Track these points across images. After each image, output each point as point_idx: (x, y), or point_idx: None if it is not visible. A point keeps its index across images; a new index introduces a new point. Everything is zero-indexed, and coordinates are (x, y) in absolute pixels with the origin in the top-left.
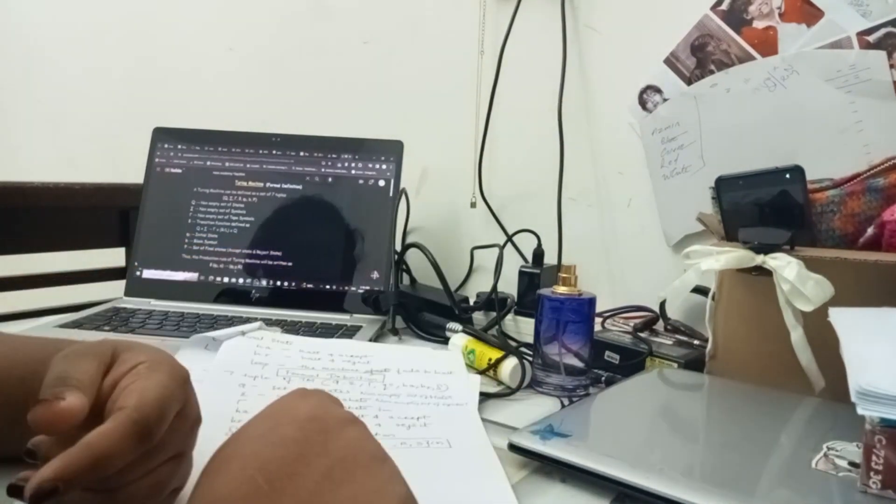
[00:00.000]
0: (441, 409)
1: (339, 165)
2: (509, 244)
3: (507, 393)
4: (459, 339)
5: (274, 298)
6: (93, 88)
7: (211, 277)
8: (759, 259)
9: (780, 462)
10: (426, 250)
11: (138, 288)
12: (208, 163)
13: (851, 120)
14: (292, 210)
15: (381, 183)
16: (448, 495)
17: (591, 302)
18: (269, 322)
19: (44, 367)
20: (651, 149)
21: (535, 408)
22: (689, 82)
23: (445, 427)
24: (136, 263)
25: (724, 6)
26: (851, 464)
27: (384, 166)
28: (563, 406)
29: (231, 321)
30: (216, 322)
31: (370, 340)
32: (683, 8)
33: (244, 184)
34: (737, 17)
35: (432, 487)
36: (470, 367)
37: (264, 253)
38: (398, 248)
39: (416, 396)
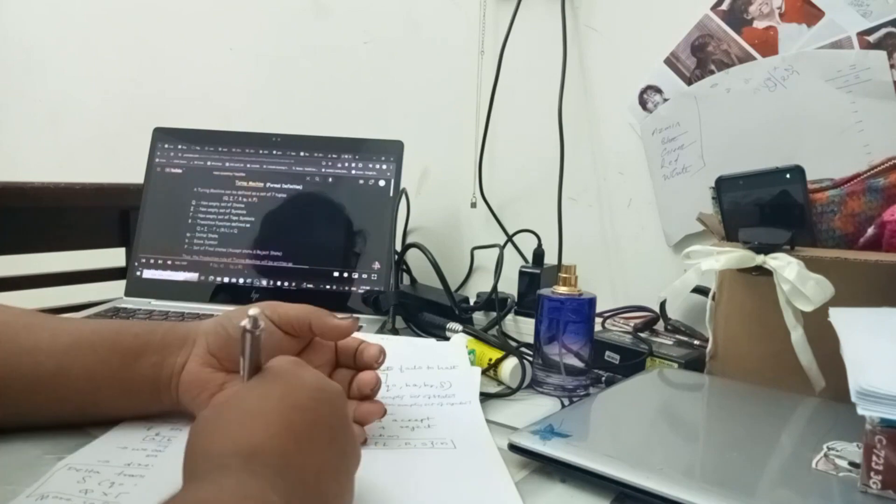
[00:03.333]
0: (445, 410)
1: (340, 165)
2: (509, 244)
3: (508, 393)
4: (460, 339)
5: (274, 298)
6: (93, 88)
7: (211, 277)
8: (760, 259)
9: (780, 462)
10: (426, 250)
11: (138, 288)
12: (208, 163)
13: (851, 120)
14: (292, 210)
15: (381, 183)
16: (452, 496)
17: (592, 302)
18: None
19: (150, 328)
20: (651, 149)
21: (535, 408)
22: (689, 82)
23: (450, 427)
24: (136, 263)
25: (724, 6)
26: (852, 464)
27: (384, 166)
28: (563, 406)
29: None
30: None
31: None
32: (683, 8)
33: (244, 184)
34: (737, 17)
35: (437, 488)
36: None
37: (264, 253)
38: (398, 248)
39: (420, 397)
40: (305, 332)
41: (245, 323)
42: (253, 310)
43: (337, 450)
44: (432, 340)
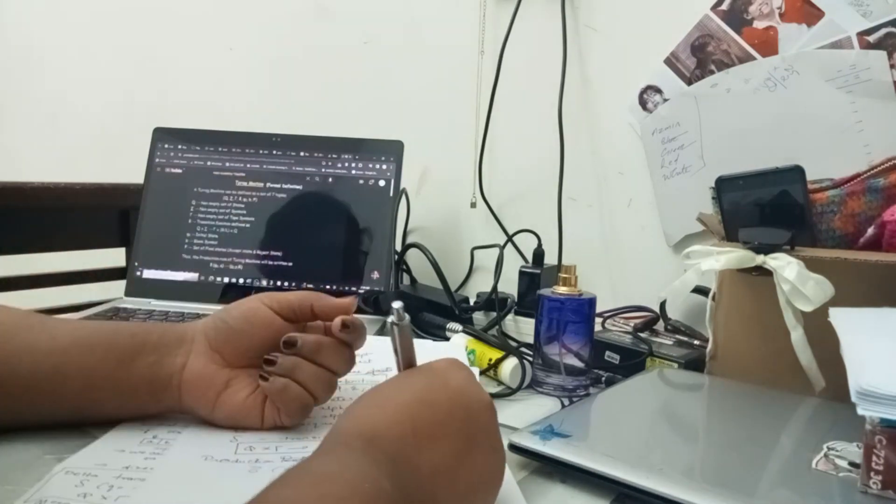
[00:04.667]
0: None
1: (339, 165)
2: (509, 244)
3: (508, 393)
4: (460, 340)
5: None
6: (93, 88)
7: (211, 277)
8: (760, 259)
9: (780, 462)
10: (426, 250)
11: (138, 288)
12: (208, 163)
13: (851, 120)
14: (293, 210)
15: (381, 183)
16: None
17: (592, 302)
18: None
19: (147, 328)
20: (651, 149)
21: (535, 408)
22: (689, 82)
23: None
24: (136, 263)
25: (724, 6)
26: (852, 464)
27: (384, 166)
28: (563, 406)
29: None
30: None
31: None
32: (683, 8)
33: (244, 184)
34: (737, 18)
35: None
36: (470, 366)
37: (264, 253)
38: (398, 248)
39: None
40: (307, 316)
41: (391, 318)
42: (396, 302)
43: (462, 456)
44: (430, 342)
